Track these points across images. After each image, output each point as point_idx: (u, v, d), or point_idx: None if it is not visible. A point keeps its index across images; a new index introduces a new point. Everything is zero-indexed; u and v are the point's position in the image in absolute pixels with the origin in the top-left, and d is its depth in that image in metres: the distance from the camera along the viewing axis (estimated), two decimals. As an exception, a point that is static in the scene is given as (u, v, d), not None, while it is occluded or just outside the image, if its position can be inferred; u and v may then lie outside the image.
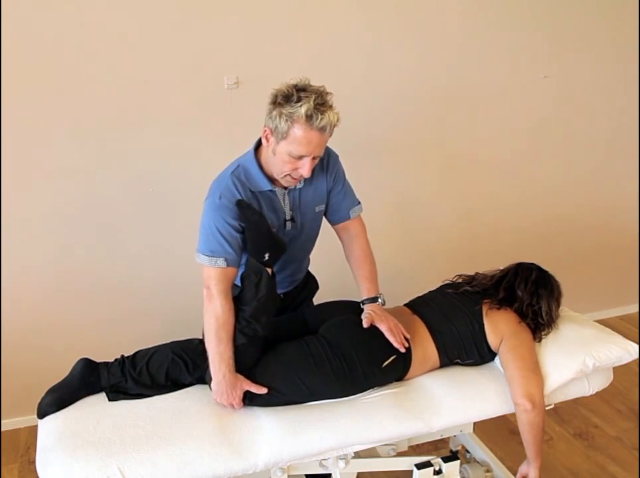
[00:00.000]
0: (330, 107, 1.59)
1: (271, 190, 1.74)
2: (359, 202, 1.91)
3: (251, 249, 1.71)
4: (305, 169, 1.62)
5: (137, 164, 2.41)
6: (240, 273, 1.74)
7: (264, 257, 1.69)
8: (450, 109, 2.80)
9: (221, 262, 1.65)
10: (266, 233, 1.70)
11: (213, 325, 1.63)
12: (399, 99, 2.68)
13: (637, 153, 3.23)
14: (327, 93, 1.60)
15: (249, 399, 1.66)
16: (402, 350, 1.73)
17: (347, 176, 1.90)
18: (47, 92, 2.23)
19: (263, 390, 1.64)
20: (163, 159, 2.44)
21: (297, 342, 1.74)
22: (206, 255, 1.66)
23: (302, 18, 2.44)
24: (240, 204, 1.67)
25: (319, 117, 1.54)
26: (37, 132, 2.26)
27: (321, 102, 1.56)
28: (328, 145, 1.81)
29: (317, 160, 1.66)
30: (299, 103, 1.54)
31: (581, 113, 3.04)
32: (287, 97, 1.57)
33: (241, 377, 1.64)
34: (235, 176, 1.70)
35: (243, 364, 1.66)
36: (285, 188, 1.76)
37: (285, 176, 1.66)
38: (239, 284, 1.76)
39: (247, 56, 2.40)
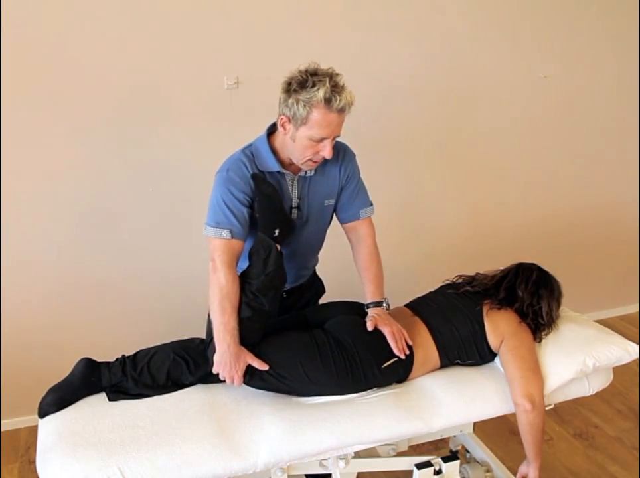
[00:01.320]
0: (344, 87, 1.61)
1: (279, 172, 1.75)
2: (371, 204, 1.91)
3: (261, 224, 1.72)
4: (326, 151, 1.64)
5: (137, 164, 2.41)
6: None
7: (274, 233, 1.71)
8: (450, 109, 2.80)
9: (226, 234, 1.67)
10: (278, 208, 1.72)
11: (217, 295, 1.64)
12: (400, 98, 2.68)
13: (637, 153, 3.23)
14: (337, 74, 1.62)
15: (250, 376, 1.66)
16: (402, 356, 1.73)
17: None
18: (48, 92, 2.23)
19: (265, 367, 1.65)
20: (163, 158, 2.44)
21: (304, 331, 1.75)
22: (212, 227, 1.69)
23: (302, 18, 2.45)
24: (255, 176, 1.69)
25: (337, 98, 1.57)
26: (37, 132, 2.27)
27: (334, 84, 1.58)
28: (347, 143, 1.81)
29: (334, 141, 1.68)
30: (315, 88, 1.56)
31: (581, 113, 3.05)
32: (302, 84, 1.59)
33: (245, 350, 1.65)
34: (245, 153, 1.74)
35: (248, 339, 1.66)
36: (296, 173, 1.77)
37: (307, 160, 1.68)
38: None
39: (247, 56, 2.40)
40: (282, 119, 1.66)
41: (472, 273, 2.02)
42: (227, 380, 1.65)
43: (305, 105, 1.58)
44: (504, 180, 3.03)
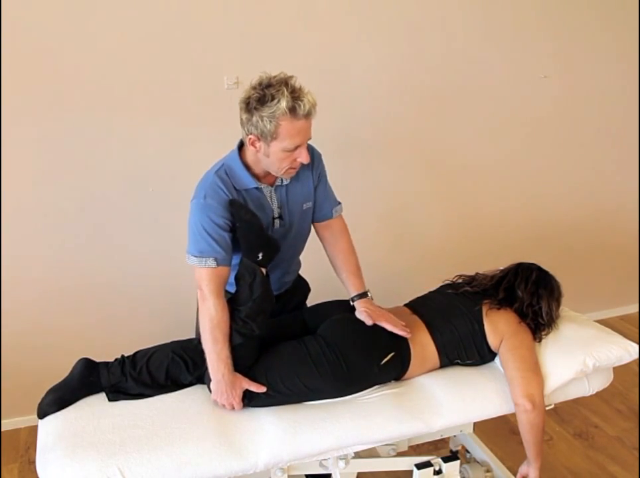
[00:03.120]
0: (302, 90, 1.58)
1: (257, 188, 1.74)
2: (339, 202, 1.93)
3: (244, 249, 1.71)
4: (303, 156, 1.64)
5: (137, 164, 2.41)
6: (233, 275, 1.74)
7: (258, 257, 1.70)
8: (449, 109, 2.80)
9: (211, 262, 1.65)
10: (259, 232, 1.70)
11: (208, 326, 1.63)
12: (398, 99, 2.68)
13: (637, 153, 3.23)
14: (290, 77, 1.59)
15: (249, 400, 1.66)
16: (409, 336, 1.74)
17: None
18: (47, 92, 2.23)
19: (263, 389, 1.64)
20: (163, 158, 2.44)
21: (295, 342, 1.74)
22: (196, 256, 1.66)
23: (302, 18, 2.44)
24: (232, 203, 1.67)
25: (300, 104, 1.55)
26: (36, 131, 2.26)
27: (292, 89, 1.56)
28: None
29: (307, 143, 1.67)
30: (275, 100, 1.54)
31: (580, 113, 3.04)
32: (260, 100, 1.57)
33: (240, 376, 1.64)
34: (218, 175, 1.70)
35: (241, 364, 1.66)
36: (272, 185, 1.76)
37: (286, 170, 1.67)
38: (231, 291, 1.76)
39: (247, 56, 2.40)
40: (250, 138, 1.64)
41: (472, 273, 2.02)
42: (226, 407, 1.65)
43: (270, 121, 1.56)
44: (503, 180, 3.03)
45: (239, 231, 1.69)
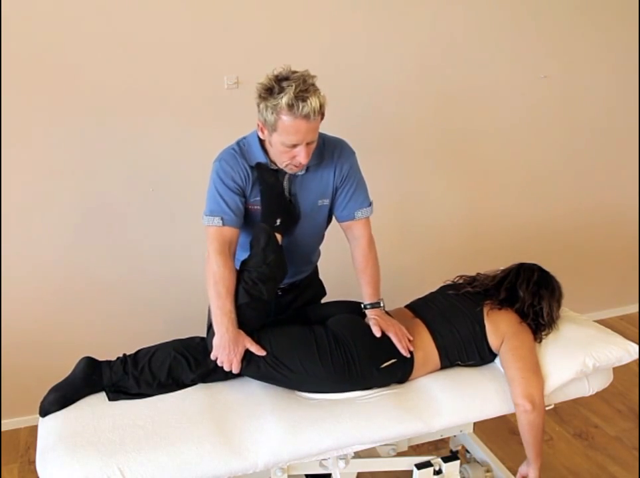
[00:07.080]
0: (314, 91, 1.58)
1: (272, 169, 1.75)
2: (370, 204, 1.86)
3: (264, 212, 1.74)
4: (301, 156, 1.64)
5: (137, 164, 2.41)
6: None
7: (275, 222, 1.73)
8: (450, 109, 2.80)
9: (217, 221, 1.70)
10: (280, 197, 1.74)
11: (211, 282, 1.68)
12: (401, 98, 2.69)
13: (637, 153, 3.23)
14: (310, 76, 1.59)
15: (247, 362, 1.66)
16: (407, 355, 1.74)
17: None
18: (48, 92, 2.23)
19: (262, 352, 1.66)
20: (163, 159, 2.44)
21: (305, 327, 1.76)
22: (207, 216, 1.73)
23: (302, 17, 2.45)
24: (259, 165, 1.72)
25: (300, 105, 1.54)
26: (37, 132, 2.27)
27: (304, 89, 1.56)
28: (348, 141, 1.82)
29: (313, 145, 1.66)
30: (281, 94, 1.55)
31: (581, 113, 3.05)
32: (269, 90, 1.59)
33: (244, 334, 1.66)
34: (239, 144, 1.77)
35: (246, 324, 1.68)
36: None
37: (287, 165, 1.69)
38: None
39: (247, 56, 2.40)
40: (259, 124, 1.68)
41: (473, 273, 2.02)
42: (225, 365, 1.65)
43: (272, 112, 1.58)
44: (504, 181, 3.03)
45: (261, 194, 1.73)
